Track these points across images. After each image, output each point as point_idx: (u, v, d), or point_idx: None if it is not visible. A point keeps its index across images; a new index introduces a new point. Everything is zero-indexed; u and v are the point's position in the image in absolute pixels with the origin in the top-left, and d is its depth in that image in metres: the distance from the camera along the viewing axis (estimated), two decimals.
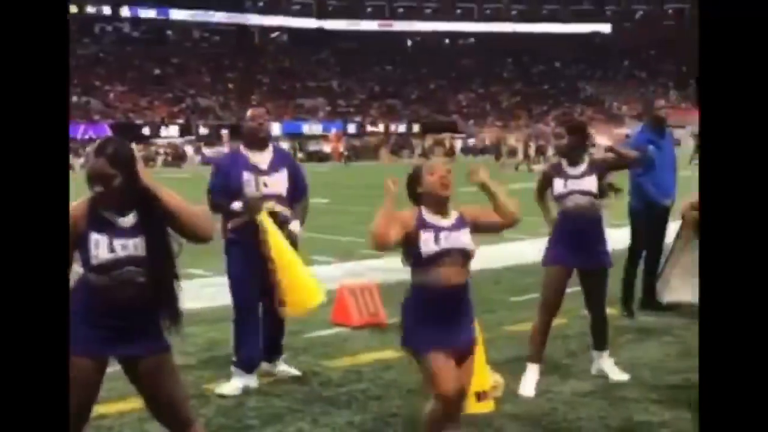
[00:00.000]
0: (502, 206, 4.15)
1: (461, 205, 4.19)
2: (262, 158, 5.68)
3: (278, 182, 5.66)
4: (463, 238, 4.05)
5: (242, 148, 5.76)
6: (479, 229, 4.17)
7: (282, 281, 5.48)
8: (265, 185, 5.60)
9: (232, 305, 5.74)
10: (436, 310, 3.99)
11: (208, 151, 49.91)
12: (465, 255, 4.04)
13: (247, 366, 5.62)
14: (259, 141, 5.73)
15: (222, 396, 5.46)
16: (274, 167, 5.68)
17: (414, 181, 4.16)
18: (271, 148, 5.81)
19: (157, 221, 3.23)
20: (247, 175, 5.57)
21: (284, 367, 5.91)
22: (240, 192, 5.54)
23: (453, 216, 4.11)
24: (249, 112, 5.85)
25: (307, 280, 5.61)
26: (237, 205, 5.51)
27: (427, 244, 3.99)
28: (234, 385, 5.56)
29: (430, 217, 4.07)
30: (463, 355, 4.06)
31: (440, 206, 4.09)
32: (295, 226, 5.69)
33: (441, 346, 3.96)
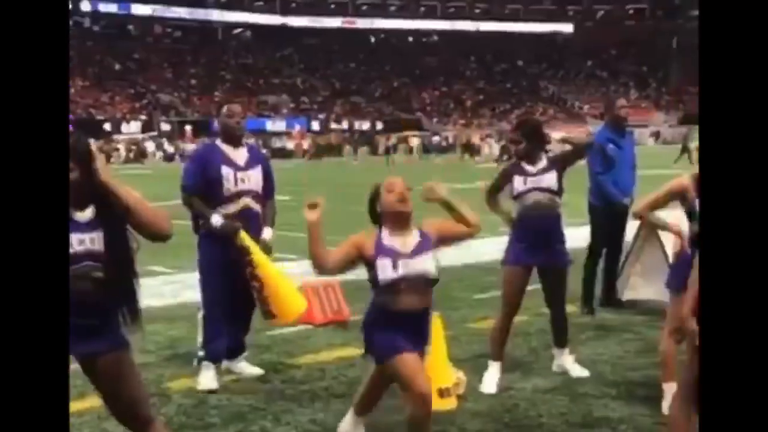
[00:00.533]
0: (463, 218, 4.16)
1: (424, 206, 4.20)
2: (239, 154, 5.69)
3: (254, 179, 5.68)
4: (424, 264, 4.01)
5: (219, 143, 5.75)
6: (446, 242, 4.18)
7: (268, 297, 5.48)
8: (243, 181, 5.60)
9: (201, 299, 5.71)
10: (396, 329, 3.99)
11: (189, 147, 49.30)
12: (425, 281, 4.02)
13: (216, 359, 5.63)
14: (237, 138, 5.73)
15: (210, 391, 5.44)
16: (250, 164, 5.69)
17: (373, 200, 4.14)
18: (245, 145, 5.82)
19: (116, 216, 3.20)
20: (225, 170, 5.57)
21: (245, 366, 5.89)
22: (218, 187, 5.53)
23: (415, 237, 4.06)
24: (225, 109, 5.82)
25: (290, 291, 5.65)
26: (217, 220, 5.48)
27: (385, 270, 3.97)
28: (211, 377, 5.54)
29: (389, 240, 4.02)
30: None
31: (401, 224, 4.06)
32: (267, 234, 5.71)
33: (408, 349, 3.98)
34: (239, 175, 5.60)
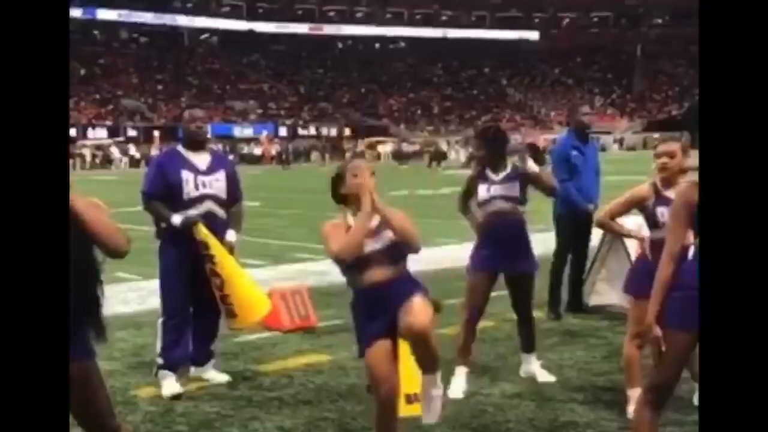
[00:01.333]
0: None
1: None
2: (201, 159, 5.68)
3: (216, 183, 5.66)
4: (389, 239, 4.12)
5: (180, 149, 5.74)
6: (395, 233, 4.24)
7: (230, 295, 5.47)
8: (204, 185, 5.59)
9: (162, 305, 5.69)
10: (372, 308, 4.07)
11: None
12: (393, 254, 4.10)
13: (175, 367, 5.60)
14: (199, 143, 5.73)
15: (175, 396, 5.42)
16: (212, 168, 5.68)
17: (337, 182, 4.20)
18: (209, 150, 5.81)
19: (80, 229, 3.16)
20: (186, 174, 5.56)
21: (213, 373, 5.87)
22: (179, 191, 5.52)
23: (377, 217, 4.15)
24: (187, 114, 5.82)
25: (253, 291, 5.65)
26: (176, 220, 5.47)
27: None
28: (172, 382, 5.52)
29: (353, 220, 4.12)
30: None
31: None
32: (231, 236, 5.69)
33: (377, 336, 4.05)
34: (200, 179, 5.59)
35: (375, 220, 4.13)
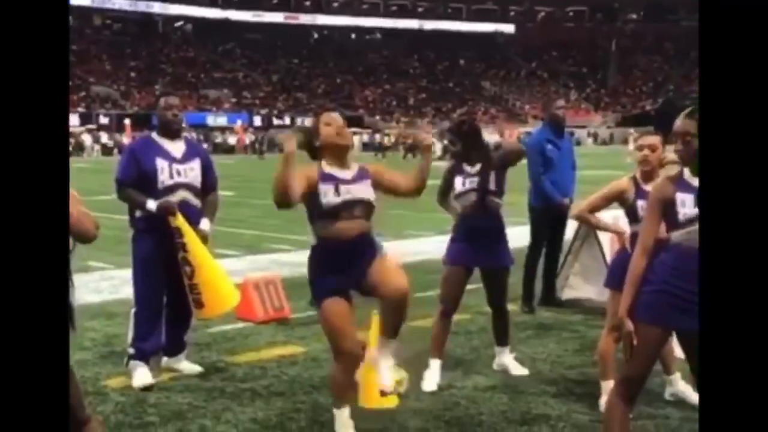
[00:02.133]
0: (419, 176, 4.26)
1: None
2: (176, 147, 5.63)
3: (191, 171, 5.62)
4: (365, 190, 4.16)
5: (155, 136, 5.68)
6: (380, 187, 4.28)
7: (199, 284, 5.44)
8: (178, 173, 5.54)
9: (134, 295, 5.64)
10: (336, 261, 4.12)
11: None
12: (366, 206, 4.16)
13: (147, 358, 5.56)
14: (175, 131, 5.67)
15: (146, 388, 5.38)
16: (187, 157, 5.63)
17: (311, 135, 4.25)
18: (183, 138, 5.76)
19: None
20: (160, 162, 5.50)
21: (185, 364, 5.83)
22: (153, 179, 5.46)
23: (354, 168, 4.20)
24: (163, 101, 5.74)
25: (223, 282, 5.61)
26: (152, 205, 5.41)
27: (327, 195, 4.10)
28: (144, 373, 5.49)
29: (330, 169, 4.15)
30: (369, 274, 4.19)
31: (340, 157, 4.21)
32: (205, 225, 5.65)
33: (338, 290, 4.13)
34: (175, 167, 5.54)
35: (353, 170, 4.16)
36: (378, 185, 4.31)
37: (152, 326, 5.58)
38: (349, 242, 4.11)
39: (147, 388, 5.38)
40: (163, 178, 5.49)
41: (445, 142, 44.12)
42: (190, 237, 5.41)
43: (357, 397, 4.86)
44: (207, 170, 5.74)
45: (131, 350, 5.56)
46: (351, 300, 4.26)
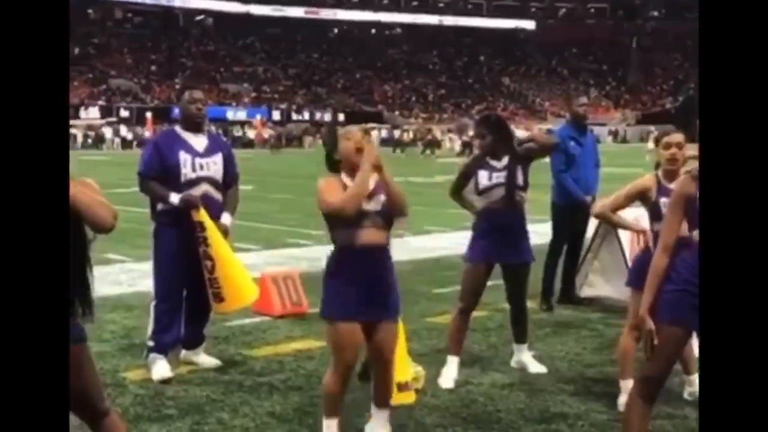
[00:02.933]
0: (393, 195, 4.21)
1: None
2: (199, 141, 5.64)
3: (213, 165, 5.63)
4: (383, 202, 4.16)
5: (178, 130, 5.69)
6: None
7: (219, 278, 5.45)
8: (201, 167, 5.55)
9: (155, 288, 5.66)
10: (357, 273, 4.10)
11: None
12: (385, 217, 4.16)
13: (164, 351, 5.58)
14: (198, 124, 5.69)
15: (165, 381, 5.40)
16: (210, 151, 5.64)
17: (331, 149, 4.27)
18: (206, 132, 5.77)
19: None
20: (183, 156, 5.51)
21: (204, 357, 5.85)
22: (176, 173, 5.48)
23: (372, 181, 4.18)
24: (188, 95, 5.74)
25: (243, 277, 5.63)
26: (174, 198, 5.43)
27: None
28: (163, 366, 5.50)
29: (349, 182, 4.15)
30: (380, 323, 4.22)
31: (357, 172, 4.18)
32: (226, 219, 5.66)
33: (351, 316, 4.11)
34: (198, 161, 5.55)
35: (373, 181, 4.16)
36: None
37: (172, 319, 5.60)
38: (373, 252, 4.12)
39: (166, 381, 5.40)
40: (186, 171, 5.50)
41: (464, 138, 44.06)
42: (211, 231, 5.43)
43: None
44: (229, 164, 5.75)
45: (151, 343, 5.58)
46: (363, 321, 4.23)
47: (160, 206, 5.57)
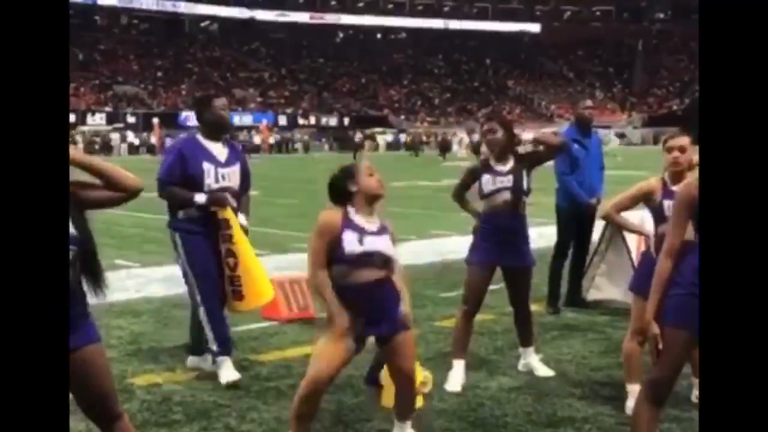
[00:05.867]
0: None
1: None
2: (220, 150, 5.61)
3: (233, 175, 5.62)
4: (387, 243, 4.16)
5: (200, 137, 5.63)
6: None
7: (241, 276, 5.48)
8: (223, 177, 5.54)
9: (199, 296, 5.57)
10: (355, 305, 4.08)
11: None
12: (386, 261, 4.14)
13: (230, 350, 5.63)
14: (225, 131, 5.67)
15: (233, 384, 5.41)
16: (230, 160, 5.63)
17: (348, 178, 4.19)
18: (224, 140, 5.72)
19: (74, 200, 3.13)
20: (207, 166, 5.49)
21: (212, 364, 5.84)
22: (200, 182, 5.45)
23: (377, 220, 4.20)
24: (218, 102, 5.67)
25: (263, 276, 5.64)
26: (201, 198, 5.41)
27: (351, 244, 4.06)
28: (231, 368, 5.51)
29: (356, 218, 4.13)
30: (388, 337, 4.20)
31: (370, 206, 4.20)
32: (243, 219, 5.67)
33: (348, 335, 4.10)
34: (220, 171, 5.53)
35: (375, 224, 4.16)
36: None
37: (224, 319, 5.61)
38: (369, 287, 4.09)
39: (234, 385, 5.39)
40: (210, 181, 5.47)
41: (469, 140, 43.92)
42: (237, 229, 5.44)
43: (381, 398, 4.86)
44: (245, 174, 5.74)
45: (215, 348, 5.54)
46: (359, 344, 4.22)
47: (181, 214, 5.54)
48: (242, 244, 5.47)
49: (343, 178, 4.22)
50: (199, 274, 5.54)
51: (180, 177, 5.47)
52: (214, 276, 5.53)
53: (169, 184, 5.50)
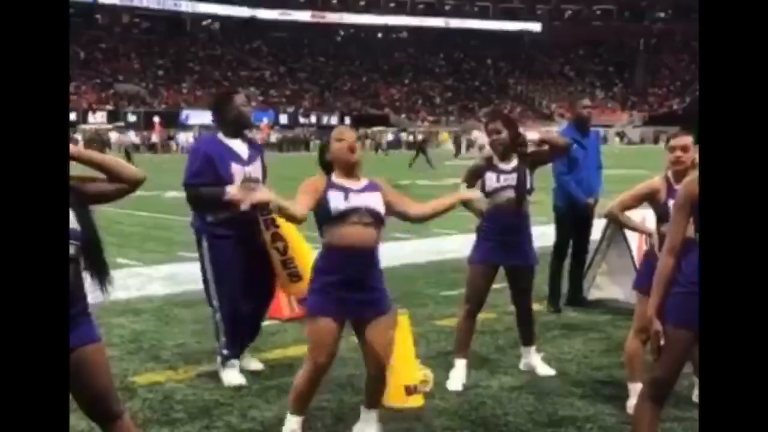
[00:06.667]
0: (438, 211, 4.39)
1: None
2: (242, 148, 5.52)
3: (257, 172, 5.54)
4: (373, 199, 4.17)
5: (221, 137, 5.53)
6: (389, 207, 4.28)
7: (295, 257, 5.47)
8: (249, 176, 5.45)
9: (218, 298, 5.54)
10: (340, 274, 4.11)
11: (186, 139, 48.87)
12: (375, 216, 4.15)
13: (238, 355, 5.62)
14: (246, 128, 5.64)
15: (239, 387, 5.41)
16: (252, 157, 5.55)
17: (324, 149, 4.32)
18: (243, 136, 5.63)
19: (78, 195, 3.13)
20: (235, 167, 5.40)
21: (249, 360, 5.83)
22: (228, 184, 5.33)
23: (363, 181, 4.23)
24: (240, 98, 5.59)
25: (309, 252, 5.56)
26: (233, 188, 5.25)
27: (336, 201, 4.12)
28: (237, 372, 5.52)
29: (339, 180, 4.20)
30: (368, 320, 4.23)
31: (349, 172, 4.23)
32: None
33: (331, 313, 4.13)
34: (247, 170, 5.43)
35: (361, 184, 4.21)
36: (387, 204, 4.30)
37: (241, 323, 5.57)
38: (356, 251, 4.10)
39: (238, 388, 5.38)
40: (239, 182, 5.33)
41: (477, 136, 43.80)
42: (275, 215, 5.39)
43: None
44: (265, 169, 5.66)
45: (225, 351, 5.52)
46: (344, 320, 4.24)
47: (210, 218, 5.44)
48: (286, 225, 5.34)
49: (322, 149, 4.34)
50: (220, 279, 5.47)
51: (210, 180, 5.34)
52: (236, 282, 5.45)
53: (198, 185, 5.38)
